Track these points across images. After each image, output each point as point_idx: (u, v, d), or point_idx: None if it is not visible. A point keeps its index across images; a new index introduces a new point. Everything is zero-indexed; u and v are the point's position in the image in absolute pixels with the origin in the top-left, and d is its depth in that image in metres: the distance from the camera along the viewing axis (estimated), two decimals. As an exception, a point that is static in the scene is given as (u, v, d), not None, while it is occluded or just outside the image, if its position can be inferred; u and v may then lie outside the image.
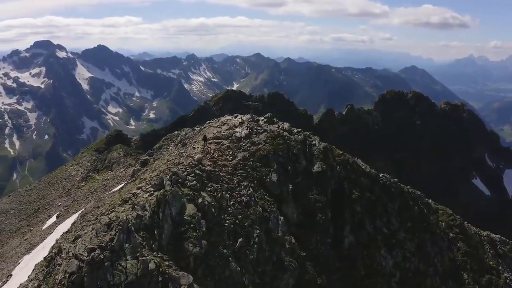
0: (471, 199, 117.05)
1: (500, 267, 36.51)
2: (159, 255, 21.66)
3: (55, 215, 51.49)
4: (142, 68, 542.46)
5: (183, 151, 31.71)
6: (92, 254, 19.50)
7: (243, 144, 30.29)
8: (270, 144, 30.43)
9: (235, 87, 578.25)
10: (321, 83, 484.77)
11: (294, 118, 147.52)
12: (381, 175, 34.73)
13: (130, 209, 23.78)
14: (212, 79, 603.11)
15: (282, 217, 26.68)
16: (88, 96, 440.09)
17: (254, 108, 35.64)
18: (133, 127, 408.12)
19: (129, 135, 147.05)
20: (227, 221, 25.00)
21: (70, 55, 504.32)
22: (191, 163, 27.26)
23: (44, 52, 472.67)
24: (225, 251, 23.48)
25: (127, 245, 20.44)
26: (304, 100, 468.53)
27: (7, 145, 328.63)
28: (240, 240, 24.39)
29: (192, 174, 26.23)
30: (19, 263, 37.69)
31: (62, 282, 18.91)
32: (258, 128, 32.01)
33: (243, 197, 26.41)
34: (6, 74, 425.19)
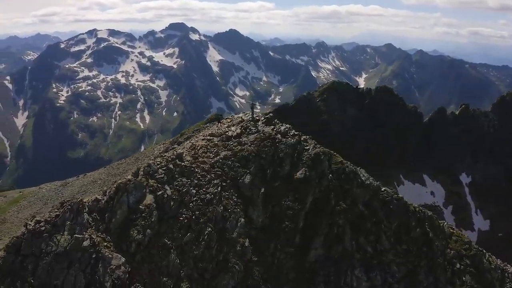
0: None
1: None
2: (101, 236, 24.02)
3: (119, 189, 57.45)
4: (271, 54, 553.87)
5: (182, 145, 33.55)
6: (36, 225, 22.61)
7: (231, 143, 31.02)
8: (256, 146, 30.62)
9: (363, 77, 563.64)
10: (453, 79, 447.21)
11: (403, 115, 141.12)
12: (382, 189, 32.32)
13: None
14: (341, 68, 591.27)
15: (243, 219, 27.04)
16: (217, 78, 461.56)
17: (252, 107, 35.71)
18: (258, 110, 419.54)
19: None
20: (183, 215, 26.29)
21: (202, 38, 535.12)
22: (169, 157, 29.01)
23: (178, 34, 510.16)
24: (169, 242, 24.91)
25: (69, 222, 23.16)
26: (434, 96, 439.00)
27: (138, 119, 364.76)
28: (188, 234, 25.56)
29: (164, 168, 27.96)
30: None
31: (10, 243, 22.34)
32: (252, 128, 32.34)
33: (207, 195, 27.38)
34: (141, 53, 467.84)
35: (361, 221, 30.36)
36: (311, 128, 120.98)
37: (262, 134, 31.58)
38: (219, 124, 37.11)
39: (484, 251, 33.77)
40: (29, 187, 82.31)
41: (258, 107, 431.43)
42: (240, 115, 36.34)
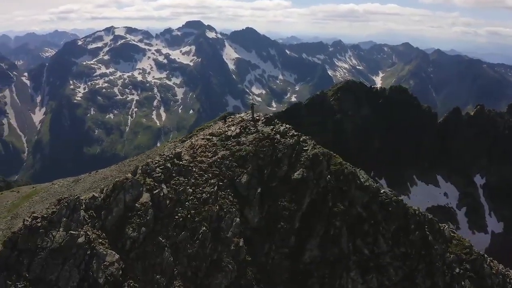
0: None
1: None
2: (97, 233, 24.46)
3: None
4: (288, 52, 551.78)
5: (183, 143, 33.82)
6: (33, 221, 23.15)
7: (229, 143, 31.17)
8: (254, 146, 30.71)
9: (380, 76, 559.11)
10: (470, 79, 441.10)
11: (417, 115, 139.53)
12: (382, 191, 32.08)
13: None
14: (357, 67, 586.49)
15: (238, 219, 27.18)
16: (234, 76, 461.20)
17: (252, 106, 35.68)
18: (275, 109, 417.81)
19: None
20: (179, 214, 26.58)
21: (219, 35, 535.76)
22: (167, 156, 29.33)
23: (194, 32, 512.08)
24: (163, 240, 25.22)
25: (64, 219, 23.65)
26: (451, 96, 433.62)
27: (154, 116, 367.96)
28: (183, 233, 25.83)
29: (162, 167, 28.30)
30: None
31: (7, 238, 22.94)
32: (251, 128, 32.44)
33: (203, 194, 27.61)
34: (158, 51, 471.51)
35: (358, 223, 30.21)
36: (324, 127, 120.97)
37: (261, 134, 31.65)
38: (224, 122, 37.26)
39: (486, 255, 33.25)
40: (45, 182, 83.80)
41: (274, 106, 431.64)
42: (242, 114, 36.48)
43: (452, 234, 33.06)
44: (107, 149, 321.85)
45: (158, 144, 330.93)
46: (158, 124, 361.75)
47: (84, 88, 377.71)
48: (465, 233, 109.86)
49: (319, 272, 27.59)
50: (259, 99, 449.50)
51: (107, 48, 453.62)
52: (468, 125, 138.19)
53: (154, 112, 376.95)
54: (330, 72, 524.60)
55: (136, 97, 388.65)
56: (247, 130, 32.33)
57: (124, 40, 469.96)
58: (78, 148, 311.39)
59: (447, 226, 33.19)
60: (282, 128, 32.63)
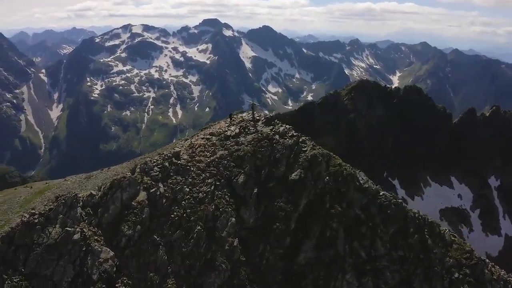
0: None
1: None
2: (93, 230, 24.90)
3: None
4: (304, 51, 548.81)
5: (184, 142, 34.14)
6: (31, 217, 23.70)
7: (228, 143, 31.32)
8: (253, 146, 30.80)
9: (397, 75, 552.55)
10: (488, 79, 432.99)
11: (431, 115, 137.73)
12: (381, 193, 31.81)
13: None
14: (374, 66, 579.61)
15: (233, 219, 27.34)
16: (250, 74, 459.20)
17: (252, 106, 35.62)
18: (290, 107, 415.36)
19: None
20: (175, 213, 26.87)
21: (236, 34, 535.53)
22: (166, 155, 29.64)
23: (211, 30, 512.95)
24: (158, 238, 25.53)
25: (61, 216, 24.14)
26: (469, 96, 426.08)
27: (170, 114, 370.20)
28: (178, 231, 26.10)
29: (160, 166, 28.59)
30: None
31: (5, 233, 23.54)
32: (251, 128, 32.53)
33: (200, 194, 27.83)
34: (175, 48, 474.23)
35: (356, 225, 30.03)
36: (338, 127, 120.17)
37: (259, 135, 31.72)
38: (231, 120, 37.28)
39: (487, 260, 32.74)
40: (60, 178, 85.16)
41: (290, 104, 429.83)
42: (243, 114, 36.58)
43: (452, 238, 32.63)
44: (123, 146, 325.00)
45: (174, 141, 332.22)
46: (174, 122, 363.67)
47: (101, 85, 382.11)
48: (478, 236, 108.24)
49: (313, 274, 27.58)
50: (275, 97, 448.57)
51: (124, 46, 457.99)
52: (483, 126, 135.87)
53: (171, 110, 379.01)
54: (347, 71, 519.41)
55: (152, 95, 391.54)
56: (247, 130, 32.45)
57: (141, 37, 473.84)
58: (94, 144, 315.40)
59: (447, 230, 32.78)
60: (281, 128, 32.63)
